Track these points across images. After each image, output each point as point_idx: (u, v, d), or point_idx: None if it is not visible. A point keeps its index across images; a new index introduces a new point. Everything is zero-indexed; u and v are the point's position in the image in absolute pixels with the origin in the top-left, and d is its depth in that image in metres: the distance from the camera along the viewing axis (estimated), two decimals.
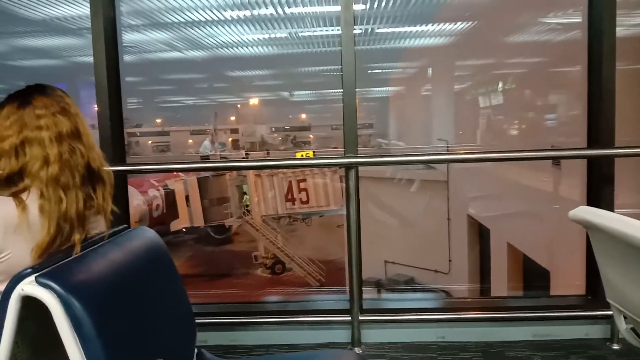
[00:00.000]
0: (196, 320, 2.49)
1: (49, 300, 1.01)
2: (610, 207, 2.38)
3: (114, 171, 2.40)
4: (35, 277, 1.03)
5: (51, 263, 1.11)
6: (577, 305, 2.51)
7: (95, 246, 1.25)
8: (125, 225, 1.45)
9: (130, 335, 1.14)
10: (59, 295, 1.01)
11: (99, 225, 1.36)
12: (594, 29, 2.45)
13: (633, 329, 1.53)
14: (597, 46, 2.42)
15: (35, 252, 1.17)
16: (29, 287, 1.02)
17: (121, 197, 2.51)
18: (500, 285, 7.33)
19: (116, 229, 1.40)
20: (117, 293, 1.16)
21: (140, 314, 1.21)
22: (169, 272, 1.41)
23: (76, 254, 1.20)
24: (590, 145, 2.47)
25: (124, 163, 2.50)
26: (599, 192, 2.43)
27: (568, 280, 4.65)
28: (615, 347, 2.32)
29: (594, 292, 2.49)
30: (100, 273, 1.16)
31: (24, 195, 1.21)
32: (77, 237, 1.23)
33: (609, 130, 2.39)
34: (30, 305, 1.04)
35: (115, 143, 2.47)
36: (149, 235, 1.41)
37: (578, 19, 5.30)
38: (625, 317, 1.53)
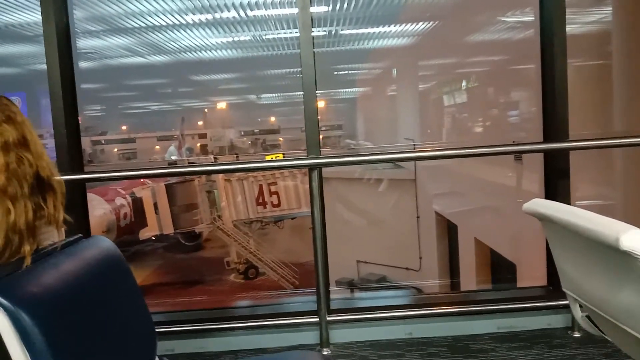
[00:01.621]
0: (163, 329, 2.47)
1: None
2: (566, 199, 2.45)
3: (71, 180, 2.37)
4: None
5: None
6: (539, 296, 2.58)
7: (46, 257, 1.21)
8: (80, 235, 1.41)
9: (84, 349, 1.11)
10: (6, 309, 0.98)
11: (51, 236, 1.32)
12: (545, 28, 2.52)
13: (588, 317, 1.57)
14: (549, 44, 2.49)
15: None
16: None
17: (80, 206, 2.45)
18: (469, 279, 7.46)
19: (70, 239, 1.36)
20: (70, 305, 1.13)
21: (95, 326, 1.18)
22: (126, 282, 1.38)
23: (26, 265, 1.16)
24: (545, 140, 2.53)
25: (81, 171, 2.45)
26: (556, 185, 2.50)
27: (533, 272, 4.76)
28: (577, 335, 2.38)
29: (555, 282, 2.56)
30: (51, 285, 1.13)
31: None
32: (27, 248, 1.19)
33: (563, 125, 2.46)
34: None
35: (72, 151, 2.41)
36: (104, 244, 1.38)
37: (532, 17, 5.45)
38: (581, 306, 1.58)
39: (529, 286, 2.80)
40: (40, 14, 2.54)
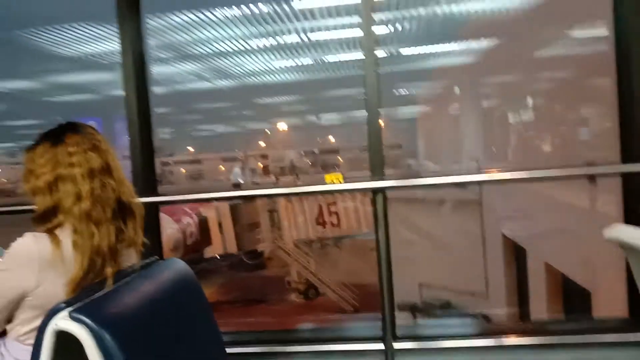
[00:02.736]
0: (227, 350, 2.51)
1: (82, 335, 1.03)
2: None
3: (146, 202, 2.46)
4: (69, 312, 1.05)
5: (84, 297, 1.13)
6: (621, 328, 2.41)
7: (126, 279, 1.27)
8: (156, 257, 1.47)
9: None
10: (91, 330, 1.03)
11: (130, 258, 1.39)
12: (621, 39, 2.40)
13: None
14: (625, 55, 2.36)
15: (69, 287, 1.20)
16: (62, 322, 1.04)
17: (153, 228, 2.55)
18: (540, 306, 7.10)
19: (147, 261, 1.42)
20: (148, 326, 1.18)
21: (171, 347, 1.22)
22: (199, 303, 1.42)
23: (108, 287, 1.22)
24: (624, 161, 2.39)
25: (155, 194, 2.55)
26: (636, 210, 2.35)
27: (610, 300, 4.47)
28: None
29: (638, 313, 2.39)
30: (131, 306, 1.18)
31: (58, 231, 1.25)
32: (109, 270, 1.26)
33: None
34: (65, 339, 1.06)
35: (147, 174, 2.52)
36: (179, 266, 1.43)
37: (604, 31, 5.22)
38: None
39: (608, 317, 2.63)
40: (118, 44, 2.71)
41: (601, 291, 5.19)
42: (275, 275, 15.35)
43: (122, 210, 1.35)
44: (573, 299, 6.34)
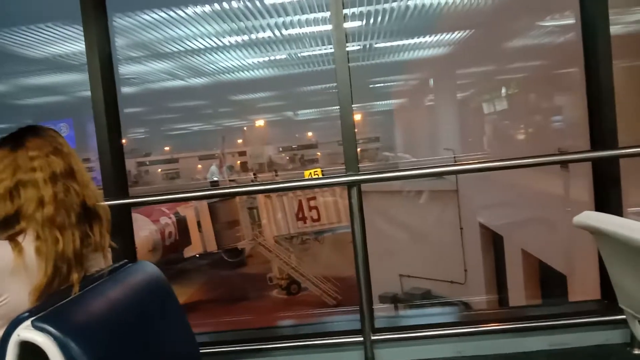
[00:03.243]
0: (208, 350, 2.49)
1: (46, 345, 1.00)
2: (618, 209, 2.34)
3: (117, 205, 2.43)
4: (32, 321, 1.02)
5: (49, 305, 1.10)
6: (594, 311, 2.46)
7: (94, 284, 1.24)
8: (126, 261, 1.44)
9: None
10: (55, 339, 1.00)
11: (98, 263, 1.36)
12: (588, 30, 2.44)
13: None
14: (592, 47, 2.40)
15: (33, 295, 1.17)
16: (25, 331, 1.01)
17: (126, 231, 2.51)
18: (518, 292, 7.21)
19: (116, 264, 1.39)
20: (117, 332, 1.15)
21: (141, 352, 1.19)
22: (171, 306, 1.39)
23: (75, 293, 1.19)
24: (593, 148, 2.44)
25: (126, 196, 2.51)
26: (606, 195, 2.40)
27: (585, 284, 4.56)
28: (636, 352, 2.26)
29: (610, 296, 2.43)
30: (99, 312, 1.15)
31: (20, 238, 1.21)
32: (75, 276, 1.23)
33: (611, 131, 2.36)
34: (29, 350, 1.03)
35: (117, 176, 2.48)
36: (149, 269, 1.40)
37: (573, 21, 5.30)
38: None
39: (582, 300, 2.68)
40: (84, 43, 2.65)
41: (576, 275, 5.30)
42: (257, 272, 15.30)
43: (88, 214, 1.31)
44: (550, 284, 6.45)
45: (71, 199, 1.28)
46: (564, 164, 5.18)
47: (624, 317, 2.24)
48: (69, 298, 1.16)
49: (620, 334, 2.35)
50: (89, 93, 2.62)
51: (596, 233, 1.45)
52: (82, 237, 1.28)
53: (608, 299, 2.47)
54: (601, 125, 2.38)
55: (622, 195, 2.39)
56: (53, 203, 1.24)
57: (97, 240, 1.32)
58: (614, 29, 2.44)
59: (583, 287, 4.94)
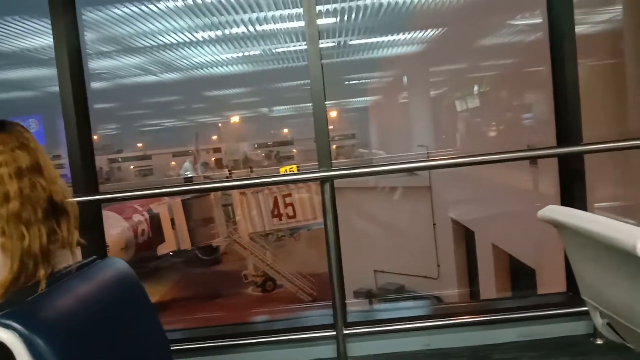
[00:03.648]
0: (180, 347, 2.47)
1: (11, 341, 0.98)
2: (582, 204, 2.41)
3: (86, 201, 2.40)
4: None
5: (14, 302, 1.08)
6: (560, 303, 2.53)
7: (61, 281, 1.22)
8: (95, 257, 1.42)
9: None
10: (21, 335, 0.99)
11: (65, 259, 1.33)
12: (554, 30, 2.50)
13: (609, 324, 1.54)
14: (558, 46, 2.46)
15: None
16: None
17: (96, 227, 2.48)
18: (489, 286, 7.36)
19: (84, 261, 1.37)
20: (85, 328, 1.14)
21: (111, 349, 1.18)
22: (140, 302, 1.38)
23: (41, 290, 1.17)
24: (559, 144, 2.50)
25: (96, 192, 2.47)
26: (572, 190, 2.46)
27: (553, 277, 4.68)
28: (599, 342, 2.33)
29: (575, 288, 2.50)
30: (66, 309, 1.14)
31: None
32: (42, 273, 1.21)
33: (576, 127, 2.42)
34: None
35: (87, 172, 2.44)
36: (119, 265, 1.39)
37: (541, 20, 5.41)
38: (601, 313, 1.54)
39: (548, 293, 2.75)
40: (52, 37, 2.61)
41: (545, 269, 5.43)
42: (232, 270, 15.23)
43: (55, 210, 1.29)
44: (520, 278, 6.60)
45: (37, 194, 1.26)
46: (533, 160, 5.29)
47: (587, 308, 2.33)
48: (36, 294, 1.14)
49: (584, 325, 2.43)
50: (58, 88, 2.58)
51: (559, 226, 1.50)
52: (49, 233, 1.26)
53: (573, 292, 2.54)
54: (567, 122, 2.45)
55: (586, 190, 2.46)
56: (18, 198, 1.22)
57: (65, 237, 1.30)
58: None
59: (551, 281, 5.07)
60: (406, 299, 10.22)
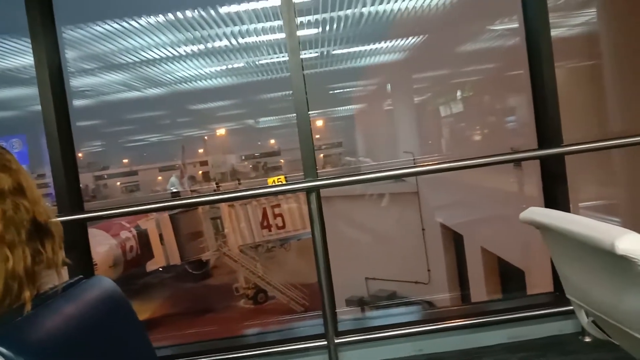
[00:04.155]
0: None
1: None
2: (565, 204, 2.45)
3: (71, 220, 2.38)
4: None
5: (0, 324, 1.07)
6: (547, 303, 2.55)
7: (47, 302, 1.22)
8: (81, 276, 1.42)
9: None
10: (7, 359, 0.98)
11: (51, 280, 1.33)
12: (530, 34, 2.54)
13: (594, 322, 1.56)
14: (535, 50, 2.51)
15: None
16: None
17: (81, 246, 2.46)
18: (479, 289, 7.40)
19: (70, 280, 1.37)
20: (73, 349, 1.13)
21: None
22: (128, 321, 1.38)
23: (27, 312, 1.16)
24: (540, 146, 2.54)
25: (81, 211, 2.46)
26: (554, 191, 2.50)
27: (542, 278, 4.72)
28: (587, 340, 2.36)
29: (561, 288, 2.53)
30: (52, 330, 1.13)
31: None
32: (27, 294, 1.20)
33: (556, 129, 2.46)
34: None
35: (71, 191, 2.42)
36: (105, 284, 1.38)
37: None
38: (586, 311, 1.57)
39: (536, 293, 2.78)
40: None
41: (533, 270, 5.47)
42: (223, 283, 15.14)
43: (39, 231, 1.28)
44: (509, 280, 6.64)
45: (21, 215, 1.25)
46: (517, 162, 5.35)
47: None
48: (21, 317, 1.13)
49: (572, 323, 2.45)
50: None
51: (541, 228, 1.52)
52: (34, 255, 1.25)
53: (560, 291, 2.57)
54: (546, 124, 2.49)
55: (568, 191, 2.50)
56: (1, 220, 1.21)
57: (50, 257, 1.29)
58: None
59: (540, 281, 5.11)
60: (397, 305, 10.22)
